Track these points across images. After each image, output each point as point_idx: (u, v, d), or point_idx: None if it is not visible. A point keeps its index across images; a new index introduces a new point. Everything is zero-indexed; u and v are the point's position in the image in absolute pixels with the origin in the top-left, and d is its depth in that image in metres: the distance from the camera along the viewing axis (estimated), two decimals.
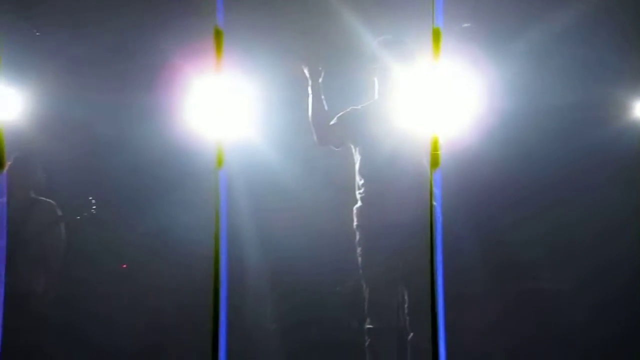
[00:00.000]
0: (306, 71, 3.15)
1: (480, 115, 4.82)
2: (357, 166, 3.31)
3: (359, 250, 3.25)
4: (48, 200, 4.34)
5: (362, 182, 3.28)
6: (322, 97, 3.24)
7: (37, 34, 5.09)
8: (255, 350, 4.82)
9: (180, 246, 5.23)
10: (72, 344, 4.56)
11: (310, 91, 3.20)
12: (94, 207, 4.18)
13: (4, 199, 4.20)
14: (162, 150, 5.20)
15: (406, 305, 3.17)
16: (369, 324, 3.18)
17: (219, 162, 3.30)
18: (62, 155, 4.87)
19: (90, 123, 5.21)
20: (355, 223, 3.32)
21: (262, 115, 5.31)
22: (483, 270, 4.89)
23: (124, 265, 5.51)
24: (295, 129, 5.29)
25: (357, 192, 3.32)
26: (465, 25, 4.93)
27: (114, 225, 4.73)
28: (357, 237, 3.31)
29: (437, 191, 3.13)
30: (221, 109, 5.44)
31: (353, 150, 3.36)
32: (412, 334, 3.14)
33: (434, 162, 2.86)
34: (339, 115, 3.27)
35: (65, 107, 5.16)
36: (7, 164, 4.24)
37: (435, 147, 2.88)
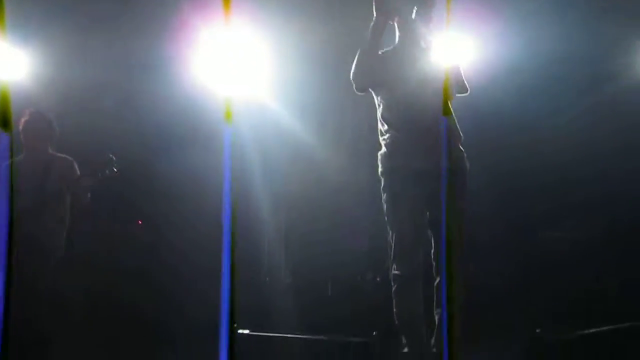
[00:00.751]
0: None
1: (488, 64, 4.77)
2: (379, 112, 3.25)
3: (384, 196, 3.20)
4: (66, 156, 4.30)
5: (385, 128, 3.22)
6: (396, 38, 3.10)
7: None
8: (270, 305, 4.87)
9: (191, 201, 5.25)
10: (90, 298, 4.64)
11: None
12: (115, 165, 4.13)
13: (15, 158, 4.21)
14: (172, 105, 5.17)
15: (432, 251, 3.14)
16: (396, 270, 3.16)
17: (228, 118, 3.25)
18: (71, 114, 4.85)
19: (99, 80, 5.17)
20: (380, 169, 3.27)
21: (273, 70, 5.27)
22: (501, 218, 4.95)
23: (139, 222, 5.57)
24: (306, 84, 5.27)
25: (380, 138, 3.27)
26: None
27: (125, 180, 4.74)
28: (382, 184, 3.27)
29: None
30: (230, 63, 5.38)
31: (374, 96, 3.29)
32: (438, 279, 3.14)
33: (446, 110, 2.84)
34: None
35: (74, 65, 5.12)
36: (23, 120, 4.22)
37: (446, 94, 2.86)
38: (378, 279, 4.73)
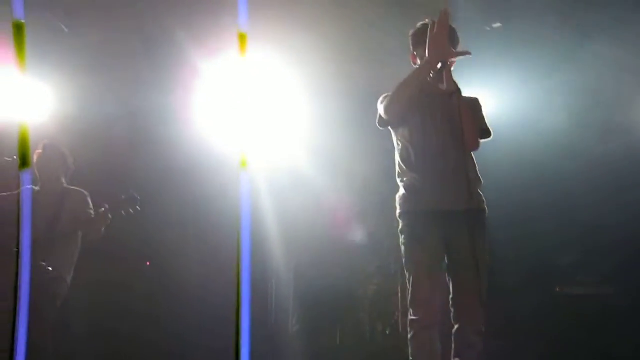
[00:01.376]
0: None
1: (505, 109, 4.82)
2: (398, 153, 3.25)
3: (402, 238, 3.12)
4: (80, 190, 4.28)
5: (404, 169, 3.22)
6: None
7: (66, 30, 5.13)
8: (278, 352, 4.81)
9: (204, 245, 5.25)
10: (98, 333, 4.59)
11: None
12: (139, 204, 4.12)
13: (31, 189, 4.20)
14: (187, 149, 5.22)
15: (451, 297, 3.08)
16: (413, 315, 3.09)
17: (243, 163, 3.28)
18: (88, 152, 4.89)
19: (115, 121, 5.25)
20: (398, 211, 3.24)
21: (286, 114, 5.34)
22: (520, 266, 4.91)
23: (147, 263, 5.55)
24: (319, 128, 5.32)
25: (398, 180, 3.26)
26: (496, 25, 4.89)
27: (140, 220, 4.75)
28: (401, 226, 3.25)
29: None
30: (244, 109, 5.46)
31: (394, 135, 3.29)
32: (457, 326, 3.07)
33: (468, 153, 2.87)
34: (387, 94, 3.20)
35: (92, 106, 5.20)
36: (37, 152, 4.25)
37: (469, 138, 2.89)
38: (387, 332, 4.66)
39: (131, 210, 4.04)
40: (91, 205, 4.18)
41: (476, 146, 3.08)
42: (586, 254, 5.02)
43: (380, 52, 4.95)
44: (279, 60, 4.99)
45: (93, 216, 4.11)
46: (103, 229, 4.10)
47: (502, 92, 5.00)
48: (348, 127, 5.30)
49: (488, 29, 4.81)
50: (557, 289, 5.13)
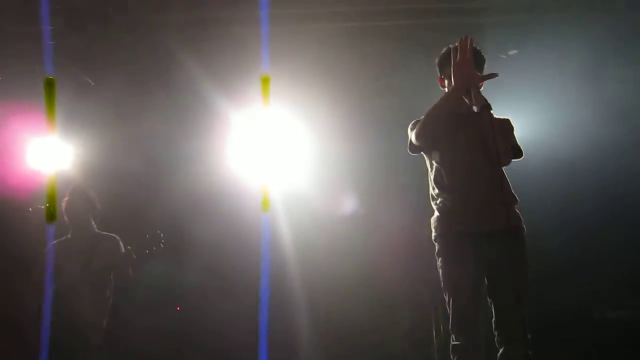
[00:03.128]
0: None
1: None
2: (431, 176, 3.25)
3: (439, 261, 3.05)
4: (112, 235, 4.31)
5: (437, 191, 3.20)
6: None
7: (92, 83, 5.28)
8: None
9: (228, 286, 5.25)
10: None
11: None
12: (162, 241, 4.17)
13: (62, 239, 4.28)
14: (212, 192, 5.28)
15: (493, 320, 2.99)
16: (455, 340, 3.03)
17: (265, 206, 3.34)
18: (115, 199, 4.97)
19: (141, 171, 5.33)
20: (434, 234, 3.22)
21: (308, 159, 5.39)
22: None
23: (178, 308, 5.55)
24: (342, 167, 5.36)
25: (432, 203, 3.25)
26: (512, 52, 4.94)
27: (166, 264, 4.78)
28: (437, 249, 3.13)
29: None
30: (267, 152, 5.58)
31: (427, 159, 3.30)
32: (502, 350, 3.00)
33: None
34: (417, 120, 3.22)
35: (118, 156, 5.31)
36: (65, 200, 4.31)
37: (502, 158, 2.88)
38: None
39: (154, 248, 4.08)
40: (123, 250, 4.20)
41: (507, 161, 3.05)
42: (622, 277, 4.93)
43: (397, 92, 5.02)
44: (299, 104, 5.08)
45: (122, 261, 4.14)
46: (131, 271, 4.13)
47: (522, 119, 5.01)
48: (371, 164, 5.34)
49: (504, 56, 4.86)
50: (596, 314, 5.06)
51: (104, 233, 4.29)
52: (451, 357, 2.92)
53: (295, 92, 4.88)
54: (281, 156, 5.27)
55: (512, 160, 3.09)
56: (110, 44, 4.63)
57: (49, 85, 4.43)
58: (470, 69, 2.95)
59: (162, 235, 4.09)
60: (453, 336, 2.94)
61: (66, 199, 4.29)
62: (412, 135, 3.19)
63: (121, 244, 4.22)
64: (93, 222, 4.31)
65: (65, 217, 4.27)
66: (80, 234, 4.22)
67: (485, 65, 3.18)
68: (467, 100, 3.00)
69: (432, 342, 4.87)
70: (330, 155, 5.37)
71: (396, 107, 4.88)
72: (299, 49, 4.56)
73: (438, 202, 3.11)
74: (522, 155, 3.15)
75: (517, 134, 3.21)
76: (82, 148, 5.28)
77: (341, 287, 5.34)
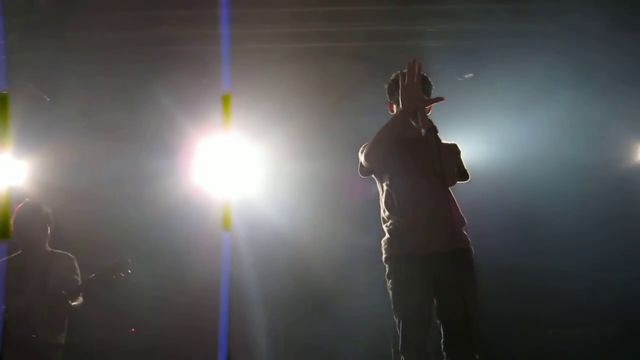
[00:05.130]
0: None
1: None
2: (382, 199, 3.27)
3: (389, 283, 3.07)
4: (67, 254, 4.15)
5: (387, 214, 3.22)
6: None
7: (48, 99, 5.18)
8: None
9: (187, 306, 5.19)
10: None
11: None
12: (130, 269, 4.09)
13: (12, 255, 4.13)
14: (171, 210, 5.23)
15: (442, 341, 3.00)
16: None
17: (226, 224, 3.33)
18: (73, 216, 4.86)
19: (99, 187, 5.24)
20: (384, 256, 3.17)
21: (267, 174, 5.39)
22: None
23: (134, 329, 5.45)
24: (299, 188, 5.37)
25: (383, 225, 3.26)
26: (468, 75, 5.07)
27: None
28: (387, 270, 3.11)
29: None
30: (228, 171, 5.56)
31: (378, 182, 3.32)
32: None
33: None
34: (366, 144, 3.25)
35: (74, 173, 5.21)
36: (15, 214, 4.14)
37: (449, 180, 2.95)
38: None
39: (122, 275, 3.99)
40: (78, 271, 4.09)
41: (452, 182, 3.09)
42: (573, 297, 5.07)
43: (358, 112, 5.08)
44: (259, 122, 5.08)
45: (79, 284, 4.03)
46: (81, 297, 4.03)
47: (476, 139, 5.13)
48: (328, 184, 5.37)
49: (459, 79, 4.98)
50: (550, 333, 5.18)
51: (58, 251, 4.15)
52: None
53: (256, 111, 4.90)
54: (241, 174, 5.27)
55: (459, 182, 3.16)
56: (68, 60, 4.56)
57: (2, 101, 4.33)
58: (417, 93, 2.99)
59: (129, 261, 4.00)
60: (402, 357, 2.95)
61: (16, 213, 4.08)
62: (361, 158, 3.22)
63: (76, 264, 4.11)
64: (46, 240, 4.14)
65: (15, 232, 4.06)
66: (34, 252, 4.05)
67: (443, 88, 3.24)
68: (414, 124, 3.04)
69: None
70: (291, 173, 5.39)
71: (357, 126, 4.94)
72: (260, 68, 4.58)
73: (388, 224, 3.14)
74: (468, 178, 3.21)
75: (471, 154, 3.28)
76: (38, 165, 5.18)
77: (300, 304, 5.33)
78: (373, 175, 3.28)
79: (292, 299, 5.36)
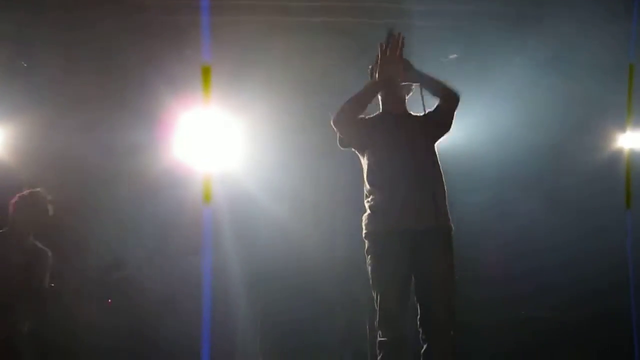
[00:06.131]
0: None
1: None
2: (365, 174, 3.26)
3: (368, 259, 3.07)
4: (45, 249, 4.11)
5: (369, 189, 3.22)
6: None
7: (25, 65, 5.07)
8: None
9: (168, 280, 5.18)
10: None
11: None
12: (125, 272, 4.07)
13: None
14: (154, 184, 5.18)
15: (418, 317, 3.02)
16: (381, 337, 2.95)
17: (207, 198, 3.29)
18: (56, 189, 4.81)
19: (81, 158, 5.18)
20: (364, 231, 3.12)
21: (249, 148, 5.35)
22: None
23: (109, 301, 5.43)
24: (281, 160, 5.34)
25: (365, 201, 3.26)
26: (452, 56, 5.04)
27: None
28: (367, 246, 3.10)
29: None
30: (209, 144, 5.51)
31: (360, 157, 3.30)
32: (425, 346, 2.96)
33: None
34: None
35: (58, 144, 5.11)
36: (13, 202, 4.07)
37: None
38: None
39: (114, 276, 3.96)
40: (50, 262, 4.07)
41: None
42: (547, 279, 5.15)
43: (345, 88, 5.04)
44: (242, 95, 5.03)
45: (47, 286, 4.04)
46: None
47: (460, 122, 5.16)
48: (311, 162, 5.35)
49: (444, 59, 4.96)
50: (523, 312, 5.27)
51: (40, 247, 4.08)
52: (377, 353, 2.96)
53: (238, 84, 4.84)
54: (223, 148, 5.23)
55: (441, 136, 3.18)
56: (46, 26, 4.45)
57: None
58: (396, 62, 3.01)
59: (124, 264, 3.97)
60: (379, 332, 2.98)
61: (15, 200, 4.02)
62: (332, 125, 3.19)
63: (50, 259, 4.05)
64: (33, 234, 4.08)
65: (11, 213, 3.99)
66: (20, 245, 4.00)
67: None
68: (397, 103, 3.08)
69: (366, 337, 4.93)
70: (273, 149, 5.35)
71: (341, 102, 4.92)
72: (242, 41, 4.53)
73: (369, 199, 3.14)
74: (449, 128, 3.21)
75: (455, 136, 3.29)
76: (14, 132, 5.08)
77: (279, 282, 5.34)
78: (356, 151, 3.26)
79: (272, 273, 5.36)
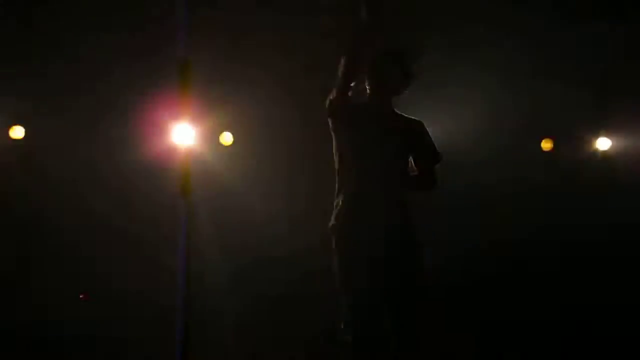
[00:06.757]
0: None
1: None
2: (336, 164, 3.05)
3: (336, 252, 2.97)
4: None
5: (338, 177, 3.03)
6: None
7: None
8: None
9: (144, 269, 5.17)
10: None
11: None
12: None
13: None
14: (132, 176, 5.15)
15: (390, 322, 2.97)
16: (348, 335, 2.90)
17: (186, 192, 3.27)
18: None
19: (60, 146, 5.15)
20: (332, 223, 3.00)
21: (230, 142, 5.35)
22: None
23: (82, 296, 5.41)
24: (259, 156, 5.35)
25: (337, 191, 3.03)
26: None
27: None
28: (334, 240, 2.98)
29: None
30: (188, 138, 5.50)
31: (335, 146, 3.06)
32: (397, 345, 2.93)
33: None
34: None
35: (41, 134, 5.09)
36: None
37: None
38: None
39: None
40: None
41: (435, 183, 3.11)
42: None
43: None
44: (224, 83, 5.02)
45: None
46: None
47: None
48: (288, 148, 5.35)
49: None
50: None
51: None
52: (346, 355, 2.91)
53: (220, 69, 4.80)
54: (202, 138, 5.23)
55: (429, 166, 3.09)
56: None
57: None
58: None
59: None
60: (347, 330, 2.90)
61: None
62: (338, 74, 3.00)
63: None
64: None
65: None
66: None
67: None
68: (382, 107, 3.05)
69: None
70: (252, 137, 5.35)
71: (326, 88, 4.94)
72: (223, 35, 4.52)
73: (337, 187, 3.04)
74: (438, 160, 3.12)
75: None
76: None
77: (256, 274, 5.36)
78: (333, 133, 3.10)
79: (254, 264, 5.38)
